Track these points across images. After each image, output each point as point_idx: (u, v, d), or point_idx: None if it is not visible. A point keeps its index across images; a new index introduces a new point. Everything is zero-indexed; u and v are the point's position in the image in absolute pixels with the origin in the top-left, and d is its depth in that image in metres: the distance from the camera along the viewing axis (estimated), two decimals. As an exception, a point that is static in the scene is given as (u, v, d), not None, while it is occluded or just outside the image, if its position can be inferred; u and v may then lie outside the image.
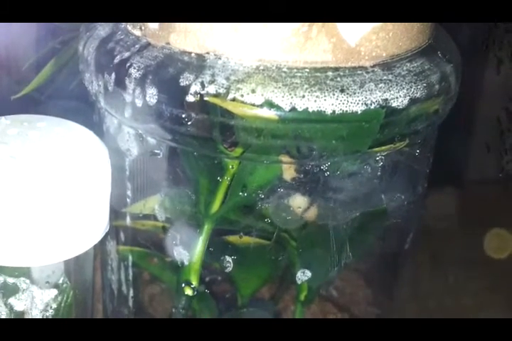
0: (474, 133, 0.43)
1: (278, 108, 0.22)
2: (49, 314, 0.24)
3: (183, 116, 0.22)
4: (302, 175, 0.25)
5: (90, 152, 0.24)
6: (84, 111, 0.28)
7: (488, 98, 0.40)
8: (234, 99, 0.22)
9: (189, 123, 0.22)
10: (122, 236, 0.28)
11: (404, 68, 0.23)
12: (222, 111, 0.22)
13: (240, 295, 0.29)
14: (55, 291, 0.24)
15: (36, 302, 0.24)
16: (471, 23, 0.37)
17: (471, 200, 0.42)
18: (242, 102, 0.22)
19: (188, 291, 0.26)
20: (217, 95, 0.22)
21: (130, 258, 0.28)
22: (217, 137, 0.23)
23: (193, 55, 0.23)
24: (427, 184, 0.29)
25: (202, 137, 0.23)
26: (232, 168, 0.24)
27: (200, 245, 0.26)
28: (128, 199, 0.27)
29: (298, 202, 0.26)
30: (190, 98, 0.22)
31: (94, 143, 0.25)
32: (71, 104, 0.32)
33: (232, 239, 0.26)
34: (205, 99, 0.22)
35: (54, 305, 0.24)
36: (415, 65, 0.24)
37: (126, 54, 0.23)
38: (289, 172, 0.25)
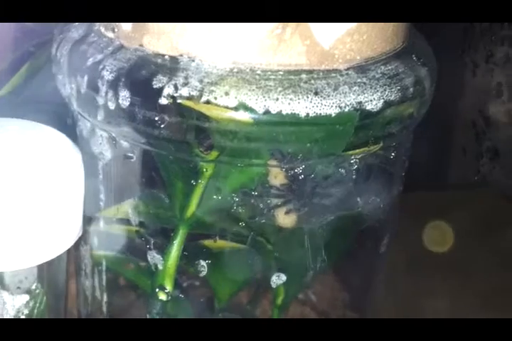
0: (453, 137, 0.43)
1: (252, 110, 0.22)
2: (21, 320, 0.24)
3: (156, 118, 0.22)
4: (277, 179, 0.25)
5: (63, 155, 0.24)
6: (59, 114, 0.27)
7: (466, 101, 0.41)
8: (207, 102, 0.22)
9: (162, 126, 0.22)
10: (96, 240, 0.28)
11: (379, 71, 0.23)
12: (198, 114, 0.22)
13: (217, 300, 0.29)
14: (26, 297, 0.24)
15: (7, 308, 0.24)
16: (447, 26, 0.37)
17: (450, 203, 0.42)
18: (216, 105, 0.22)
19: (162, 296, 0.26)
20: (190, 98, 0.22)
21: (104, 263, 0.28)
22: (192, 140, 0.23)
23: (166, 57, 0.22)
24: (408, 187, 0.29)
25: (176, 140, 0.23)
26: (207, 171, 0.24)
27: (174, 249, 0.25)
28: (101, 203, 0.26)
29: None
30: (163, 101, 0.22)
31: (67, 146, 0.25)
32: (46, 108, 0.32)
33: (207, 243, 0.26)
34: (179, 101, 0.22)
35: (26, 311, 0.24)
36: (390, 67, 0.24)
37: (99, 56, 0.23)
38: (276, 176, 0.25)
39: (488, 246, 0.35)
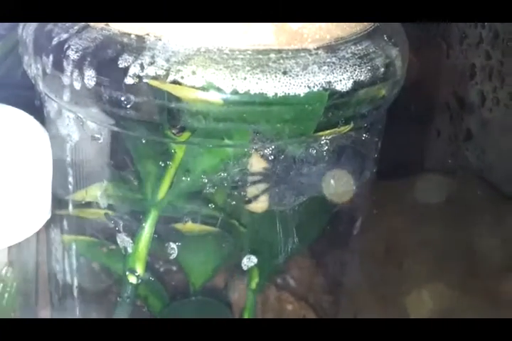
0: (428, 119, 0.43)
1: (219, 90, 0.21)
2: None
3: (123, 98, 0.22)
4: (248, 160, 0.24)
5: (30, 137, 0.24)
6: (27, 97, 0.27)
7: (440, 83, 0.41)
8: (174, 82, 0.21)
9: (129, 106, 0.22)
10: (66, 224, 0.27)
11: (349, 51, 0.23)
12: (166, 94, 0.22)
13: (191, 283, 0.29)
14: (-6, 280, 0.24)
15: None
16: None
17: (427, 188, 0.42)
18: (183, 84, 0.21)
19: (132, 279, 0.25)
20: (156, 77, 0.21)
21: (74, 247, 0.28)
22: (163, 121, 0.23)
23: (132, 36, 0.22)
24: (387, 173, 0.28)
25: (145, 121, 0.23)
26: (175, 152, 0.24)
27: (145, 232, 0.25)
28: (70, 186, 0.26)
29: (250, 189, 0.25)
30: (129, 80, 0.21)
31: (35, 128, 0.24)
32: (17, 91, 0.31)
33: (178, 225, 0.25)
34: (145, 81, 0.21)
35: (-6, 295, 0.24)
36: (360, 47, 0.23)
37: (65, 36, 0.23)
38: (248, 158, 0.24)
39: (462, 228, 0.35)
